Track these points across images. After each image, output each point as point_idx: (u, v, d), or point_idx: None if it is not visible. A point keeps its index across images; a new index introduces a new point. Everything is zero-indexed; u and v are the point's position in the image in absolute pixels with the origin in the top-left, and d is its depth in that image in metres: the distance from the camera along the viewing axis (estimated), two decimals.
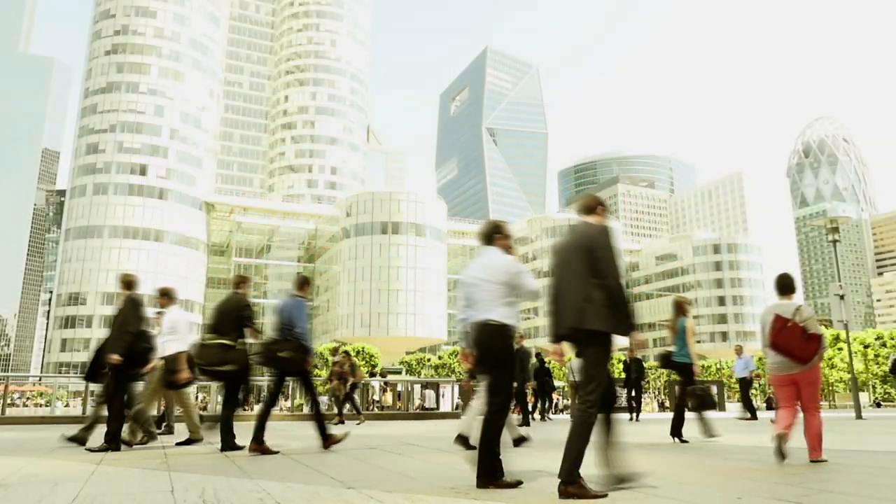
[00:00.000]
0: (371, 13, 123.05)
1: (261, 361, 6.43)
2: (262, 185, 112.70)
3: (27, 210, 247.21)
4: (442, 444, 7.31)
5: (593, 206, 3.92)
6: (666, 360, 8.35)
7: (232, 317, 6.46)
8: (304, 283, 6.69)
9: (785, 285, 5.33)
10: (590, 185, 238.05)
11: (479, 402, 6.85)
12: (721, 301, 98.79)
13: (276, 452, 6.10)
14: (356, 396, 14.31)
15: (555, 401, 25.27)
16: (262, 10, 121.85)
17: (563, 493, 3.40)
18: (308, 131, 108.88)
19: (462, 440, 6.52)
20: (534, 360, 16.04)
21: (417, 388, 22.71)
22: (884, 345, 48.15)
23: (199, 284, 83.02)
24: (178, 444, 7.27)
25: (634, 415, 15.01)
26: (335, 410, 13.81)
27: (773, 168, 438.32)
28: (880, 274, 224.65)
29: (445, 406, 21.75)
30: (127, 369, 6.47)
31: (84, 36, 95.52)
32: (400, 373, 45.41)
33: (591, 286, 3.62)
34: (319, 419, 6.57)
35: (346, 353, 14.19)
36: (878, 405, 45.29)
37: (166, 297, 7.48)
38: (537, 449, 6.71)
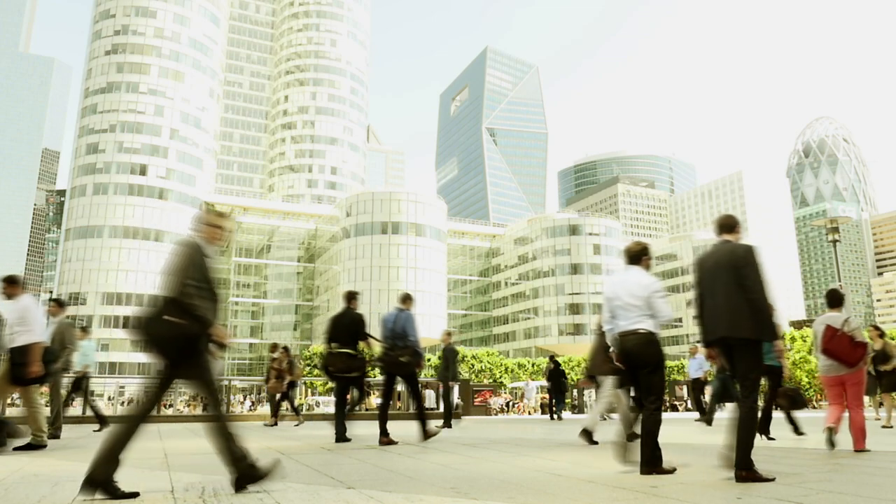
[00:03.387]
0: (371, 13, 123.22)
1: (382, 366, 7.35)
2: (262, 185, 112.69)
3: (27, 210, 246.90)
4: (442, 444, 7.31)
5: (732, 225, 4.44)
6: None
7: (350, 329, 7.39)
8: (407, 298, 7.65)
9: (835, 299, 6.05)
10: (590, 185, 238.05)
11: (604, 402, 7.25)
12: None
13: (396, 443, 7.12)
14: (293, 395, 13.63)
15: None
16: (262, 10, 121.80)
17: (741, 478, 3.94)
18: (308, 131, 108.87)
19: (587, 434, 7.23)
20: (548, 361, 17.80)
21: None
22: None
23: None
24: (16, 448, 6.37)
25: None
26: (272, 410, 13.12)
27: (773, 168, 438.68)
28: (880, 274, 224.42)
29: None
30: None
31: (84, 36, 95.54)
32: None
33: (740, 299, 4.16)
34: (422, 415, 7.53)
35: (285, 348, 13.29)
36: (879, 405, 45.27)
37: (13, 285, 6.50)
38: (538, 448, 6.71)
